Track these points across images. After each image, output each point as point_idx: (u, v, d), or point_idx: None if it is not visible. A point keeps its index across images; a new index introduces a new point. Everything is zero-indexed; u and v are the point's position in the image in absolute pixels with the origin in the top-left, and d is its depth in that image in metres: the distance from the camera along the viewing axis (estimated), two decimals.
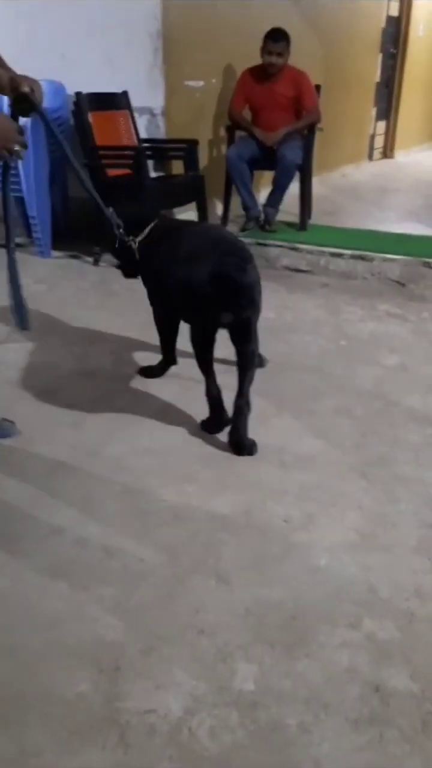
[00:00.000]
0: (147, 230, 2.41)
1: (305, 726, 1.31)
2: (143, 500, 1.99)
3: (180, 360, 2.64)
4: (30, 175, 4.28)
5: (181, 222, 2.84)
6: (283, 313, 3.57)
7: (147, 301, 2.56)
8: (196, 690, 1.38)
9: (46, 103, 4.69)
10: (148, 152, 4.33)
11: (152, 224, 2.44)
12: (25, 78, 1.83)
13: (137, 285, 2.59)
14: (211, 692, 1.37)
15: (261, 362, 2.65)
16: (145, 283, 2.54)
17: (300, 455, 2.23)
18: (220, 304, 2.13)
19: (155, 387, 2.65)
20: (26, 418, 2.38)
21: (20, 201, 4.76)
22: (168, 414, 2.47)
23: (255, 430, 2.30)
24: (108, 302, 3.66)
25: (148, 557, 1.75)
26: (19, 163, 4.30)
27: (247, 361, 2.24)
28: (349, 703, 1.36)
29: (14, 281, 2.05)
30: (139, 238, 2.39)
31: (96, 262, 4.36)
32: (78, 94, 4.09)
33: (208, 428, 2.34)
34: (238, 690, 1.38)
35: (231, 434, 2.25)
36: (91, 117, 4.11)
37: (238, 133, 4.76)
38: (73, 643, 1.49)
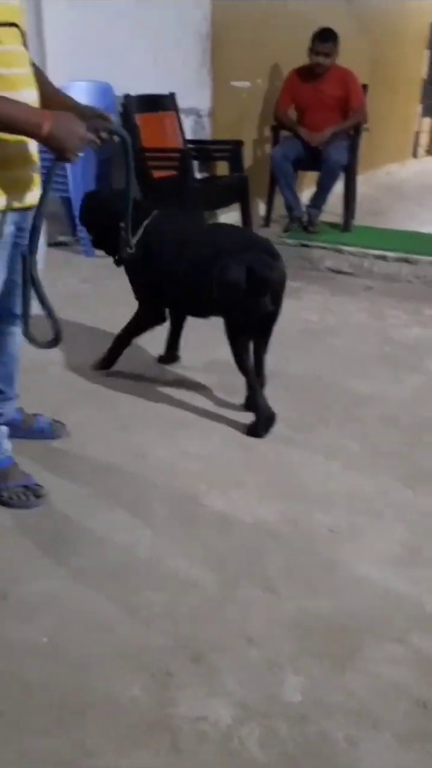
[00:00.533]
0: (141, 230, 2.36)
1: (353, 740, 1.33)
2: (191, 505, 2.02)
3: (220, 366, 2.65)
4: (77, 174, 4.33)
5: (180, 218, 2.82)
6: (325, 316, 3.56)
7: None
8: (246, 699, 1.40)
9: (93, 104, 4.76)
10: (194, 153, 4.35)
11: (147, 222, 2.43)
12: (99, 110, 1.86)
13: None
14: (260, 702, 1.40)
15: None
16: (142, 278, 2.56)
17: (345, 464, 2.24)
18: (266, 297, 2.27)
19: (201, 391, 2.68)
20: (75, 419, 2.44)
21: (67, 201, 4.84)
22: (214, 418, 2.50)
23: (299, 437, 2.32)
24: None
25: (197, 564, 1.79)
26: (67, 163, 4.39)
27: (266, 347, 2.47)
28: (397, 719, 1.38)
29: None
30: (135, 239, 2.27)
31: None
32: (127, 96, 4.13)
33: (256, 431, 2.37)
34: (286, 701, 1.41)
35: (263, 409, 2.39)
36: (138, 119, 4.15)
37: (283, 133, 4.75)
38: (125, 647, 1.54)
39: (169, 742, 1.32)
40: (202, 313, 2.56)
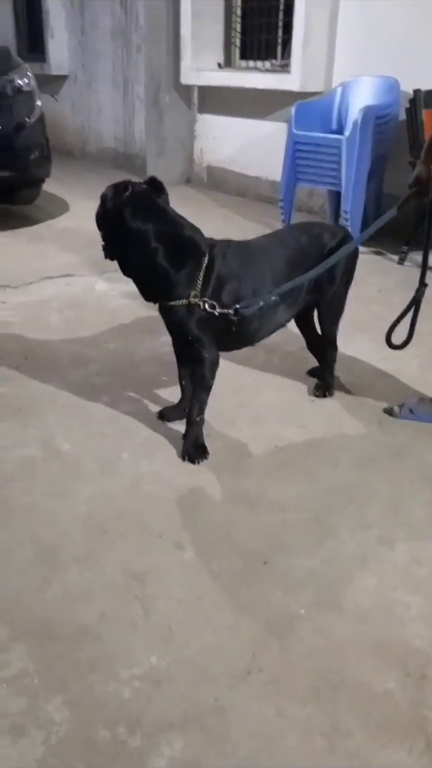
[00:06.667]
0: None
1: None
2: None
3: None
4: (352, 170, 4.35)
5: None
6: None
7: None
8: None
9: (378, 99, 4.71)
10: None
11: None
12: None
13: None
14: None
15: None
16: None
17: None
18: None
19: None
20: (336, 410, 2.48)
21: (335, 194, 4.90)
22: None
23: None
24: None
25: None
26: (343, 157, 4.42)
27: None
28: None
29: None
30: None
31: (401, 261, 4.32)
32: (416, 91, 4.04)
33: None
34: None
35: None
36: (425, 114, 4.04)
37: None
38: (380, 639, 1.54)
39: (424, 745, 1.30)
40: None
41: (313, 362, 2.75)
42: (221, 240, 2.17)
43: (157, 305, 2.17)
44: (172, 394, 2.56)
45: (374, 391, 2.66)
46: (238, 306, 2.07)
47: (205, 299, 2.05)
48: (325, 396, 2.58)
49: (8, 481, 2.07)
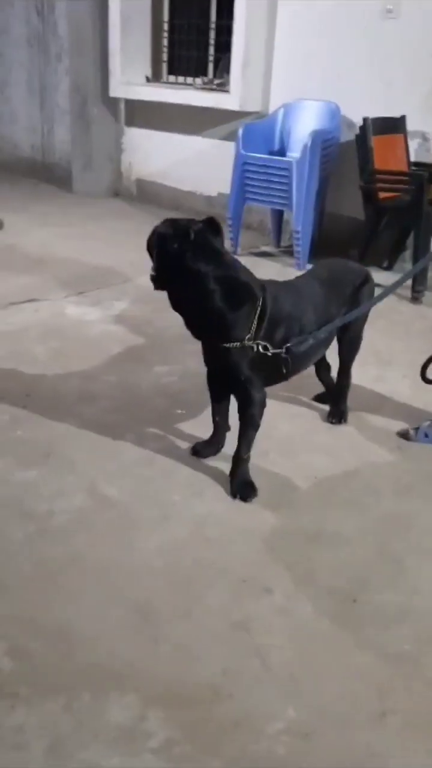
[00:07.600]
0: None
1: None
2: None
3: None
4: (302, 192, 4.51)
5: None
6: None
7: None
8: None
9: (322, 123, 4.91)
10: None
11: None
12: None
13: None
14: None
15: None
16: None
17: None
18: None
19: None
20: (354, 436, 2.59)
21: (277, 213, 5.06)
22: None
23: None
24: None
25: None
26: (293, 179, 4.56)
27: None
28: None
29: None
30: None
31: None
32: (365, 119, 4.24)
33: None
34: None
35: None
36: (373, 141, 4.26)
37: None
38: None
39: None
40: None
41: (316, 388, 2.86)
42: (268, 281, 2.21)
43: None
44: (194, 428, 2.57)
45: (380, 413, 2.80)
46: (289, 345, 2.13)
47: (259, 341, 2.09)
48: (341, 422, 2.69)
49: (70, 536, 2.00)
